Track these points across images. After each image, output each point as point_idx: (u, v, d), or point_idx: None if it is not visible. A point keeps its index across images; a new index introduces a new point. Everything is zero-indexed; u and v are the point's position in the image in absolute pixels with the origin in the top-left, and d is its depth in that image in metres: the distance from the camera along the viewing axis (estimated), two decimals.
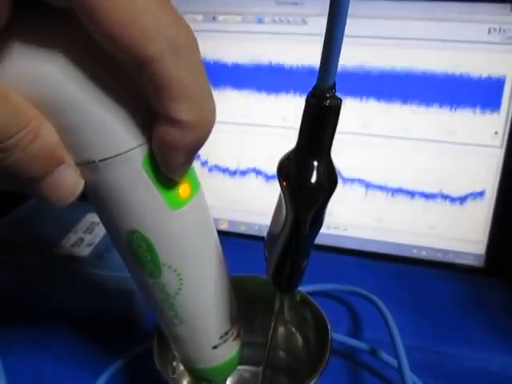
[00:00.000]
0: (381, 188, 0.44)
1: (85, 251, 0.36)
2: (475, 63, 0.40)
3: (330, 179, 0.16)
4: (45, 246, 0.37)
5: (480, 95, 0.40)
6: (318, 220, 0.17)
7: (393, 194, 0.44)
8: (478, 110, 0.40)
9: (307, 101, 0.15)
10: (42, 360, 0.33)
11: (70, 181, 0.17)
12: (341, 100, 0.15)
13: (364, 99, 0.42)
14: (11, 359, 0.32)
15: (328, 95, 0.15)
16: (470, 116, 0.41)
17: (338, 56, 0.14)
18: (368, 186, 0.44)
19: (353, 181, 0.44)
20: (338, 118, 0.16)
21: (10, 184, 0.18)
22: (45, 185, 0.16)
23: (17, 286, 0.36)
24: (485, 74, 0.40)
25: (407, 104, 0.41)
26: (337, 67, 0.15)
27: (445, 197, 0.43)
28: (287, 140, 0.43)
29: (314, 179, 0.16)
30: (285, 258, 0.18)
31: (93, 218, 0.41)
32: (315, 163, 0.16)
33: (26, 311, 0.36)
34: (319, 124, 0.16)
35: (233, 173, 0.46)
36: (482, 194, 0.42)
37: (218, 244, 0.22)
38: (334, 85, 0.15)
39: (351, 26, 0.42)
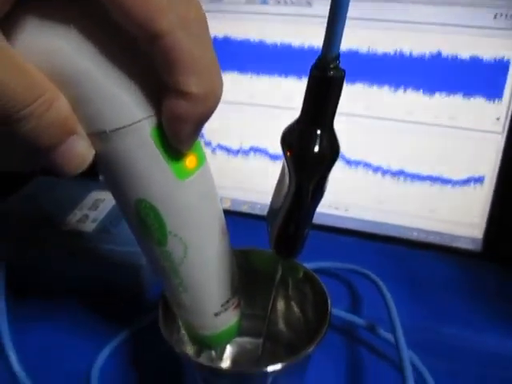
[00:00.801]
0: (382, 170, 0.44)
1: (90, 227, 0.37)
2: (480, 48, 0.40)
3: (332, 148, 0.17)
4: (51, 222, 0.38)
5: (483, 81, 0.40)
6: (320, 189, 0.18)
7: (394, 177, 0.44)
8: (480, 95, 0.40)
9: (311, 71, 0.16)
10: (51, 330, 0.34)
11: (81, 150, 0.17)
12: (344, 71, 0.16)
13: (368, 82, 0.42)
14: (20, 330, 0.33)
15: (332, 66, 0.15)
16: (472, 101, 0.41)
17: (343, 27, 0.15)
18: (370, 167, 0.44)
19: (355, 163, 0.45)
20: (342, 88, 0.16)
21: (22, 159, 0.19)
22: (57, 154, 0.17)
23: (23, 261, 0.37)
24: (489, 60, 0.40)
25: (411, 88, 0.42)
26: (341, 38, 0.15)
27: (445, 181, 0.43)
28: (291, 120, 0.43)
29: (316, 148, 0.17)
30: (287, 226, 0.19)
31: (97, 195, 0.41)
32: (318, 133, 0.17)
33: (34, 285, 0.37)
34: (323, 94, 0.16)
35: (236, 152, 0.47)
36: (481, 179, 0.42)
37: (222, 215, 0.23)
38: (338, 56, 0.16)
39: (357, 9, 0.42)
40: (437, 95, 0.41)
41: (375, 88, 0.42)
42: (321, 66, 0.16)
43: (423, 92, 0.41)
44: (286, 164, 0.18)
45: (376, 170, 0.44)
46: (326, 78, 0.16)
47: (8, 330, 0.32)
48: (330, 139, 0.17)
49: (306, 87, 0.16)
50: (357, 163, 0.45)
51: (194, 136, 0.18)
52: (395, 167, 0.44)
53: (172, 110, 0.17)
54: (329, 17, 0.15)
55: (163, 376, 0.31)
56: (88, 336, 0.34)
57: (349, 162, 0.45)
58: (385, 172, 0.44)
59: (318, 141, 0.16)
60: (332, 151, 0.17)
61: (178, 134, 0.18)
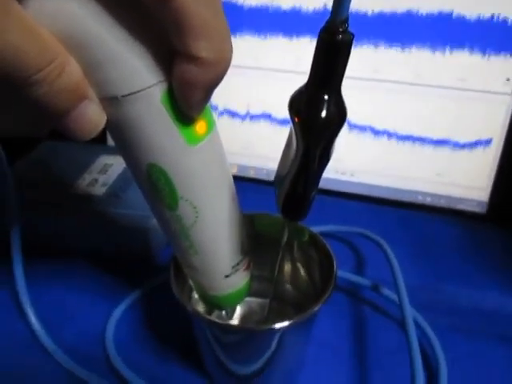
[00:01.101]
0: (389, 134, 0.44)
1: (100, 191, 0.38)
2: (490, 5, 0.39)
3: (339, 113, 0.17)
4: (60, 186, 0.39)
5: (494, 39, 0.39)
6: (326, 154, 0.18)
7: (400, 141, 0.44)
8: (490, 55, 0.40)
9: (320, 35, 0.16)
10: (65, 291, 0.36)
11: (93, 115, 0.17)
12: (353, 35, 0.16)
13: (375, 43, 0.42)
14: (37, 290, 0.34)
15: (340, 29, 0.15)
16: (482, 61, 0.40)
17: None
18: (376, 132, 0.44)
19: (361, 128, 0.44)
20: (350, 53, 0.16)
21: (32, 123, 0.19)
22: (70, 119, 0.17)
23: (35, 225, 0.37)
24: (500, 17, 0.39)
25: (419, 49, 0.41)
26: (350, 1, 0.15)
27: (452, 143, 0.43)
28: (299, 85, 0.43)
29: (324, 114, 0.17)
30: (294, 189, 0.19)
31: (106, 159, 0.42)
32: (326, 98, 0.17)
33: (47, 248, 0.38)
34: (331, 58, 0.16)
35: (243, 117, 0.47)
36: (489, 141, 0.42)
37: (231, 180, 0.23)
38: (347, 19, 0.15)
39: None
40: (445, 56, 0.41)
41: (382, 49, 0.42)
42: (329, 29, 0.16)
43: (431, 53, 0.41)
44: (293, 129, 0.18)
45: (382, 134, 0.44)
46: (334, 41, 0.16)
47: (26, 290, 0.33)
48: (338, 104, 0.17)
49: (314, 51, 0.16)
50: (363, 128, 0.44)
51: (204, 101, 0.18)
52: (401, 131, 0.44)
53: (182, 75, 0.17)
54: None
55: (175, 333, 0.32)
56: (102, 295, 0.35)
57: (355, 127, 0.44)
58: (391, 136, 0.44)
59: (325, 106, 0.17)
60: (339, 116, 0.17)
61: (188, 100, 0.18)
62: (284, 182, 0.20)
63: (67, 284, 0.36)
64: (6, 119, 0.19)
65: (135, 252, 0.37)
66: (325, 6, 0.42)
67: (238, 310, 0.32)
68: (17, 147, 0.42)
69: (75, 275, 0.37)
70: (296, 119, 0.17)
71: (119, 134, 0.19)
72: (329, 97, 0.17)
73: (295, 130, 0.18)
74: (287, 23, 0.43)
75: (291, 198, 0.20)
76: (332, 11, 0.15)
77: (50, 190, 0.38)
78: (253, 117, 0.47)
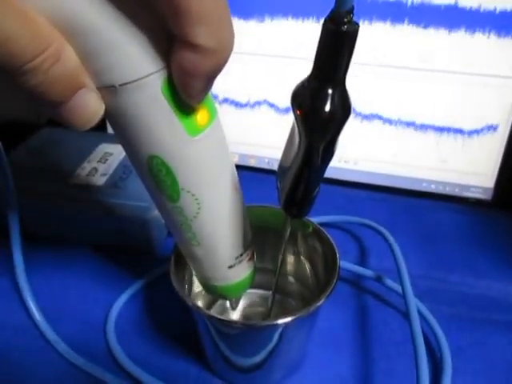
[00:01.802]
0: (393, 122, 0.43)
1: (100, 180, 0.37)
2: None
3: (344, 108, 0.16)
4: (60, 175, 0.38)
5: (501, 22, 0.38)
6: (330, 149, 0.18)
7: (405, 128, 0.43)
8: (497, 37, 0.39)
9: (324, 25, 0.15)
10: (65, 280, 0.35)
11: (91, 104, 0.17)
12: (358, 25, 0.15)
13: (379, 23, 0.40)
14: (36, 280, 0.34)
15: (346, 20, 0.15)
16: (488, 45, 0.39)
17: None
18: (380, 119, 0.43)
19: (365, 116, 0.44)
20: (355, 44, 0.15)
21: (28, 108, 0.18)
22: (67, 108, 0.16)
23: (34, 213, 0.37)
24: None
25: (425, 29, 0.40)
26: None
27: (458, 130, 0.42)
28: (299, 71, 0.42)
29: (327, 108, 0.16)
30: (296, 186, 0.19)
31: (106, 148, 0.41)
32: (330, 91, 0.16)
33: (46, 237, 0.38)
34: (335, 50, 0.15)
35: (243, 105, 0.46)
36: (495, 127, 0.42)
37: (234, 170, 0.22)
38: (352, 9, 0.15)
39: None
40: (451, 39, 0.39)
41: (388, 33, 0.40)
42: (334, 19, 0.15)
43: (437, 35, 0.39)
44: (296, 123, 0.17)
45: (386, 121, 0.43)
46: (339, 32, 0.15)
47: (26, 279, 0.33)
48: (342, 98, 0.16)
49: (318, 42, 0.16)
50: (367, 116, 0.44)
51: (204, 91, 0.18)
52: (406, 118, 0.43)
53: (181, 63, 0.16)
54: None
55: (177, 324, 0.32)
56: (103, 286, 0.35)
57: (359, 115, 0.44)
58: (395, 123, 0.43)
59: (329, 100, 0.16)
60: (344, 110, 0.16)
61: (188, 89, 0.17)
62: (286, 178, 0.19)
63: (68, 274, 0.36)
64: (3, 105, 0.19)
65: (136, 242, 0.36)
66: None
67: (241, 302, 0.32)
68: (14, 134, 0.42)
69: (76, 266, 0.37)
70: (299, 113, 0.17)
71: (118, 125, 0.19)
72: (333, 90, 0.16)
73: (298, 125, 0.17)
74: (285, 5, 0.42)
75: (293, 196, 0.19)
76: (336, 1, 0.14)
77: (49, 179, 0.38)
78: (253, 105, 0.46)
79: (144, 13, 0.16)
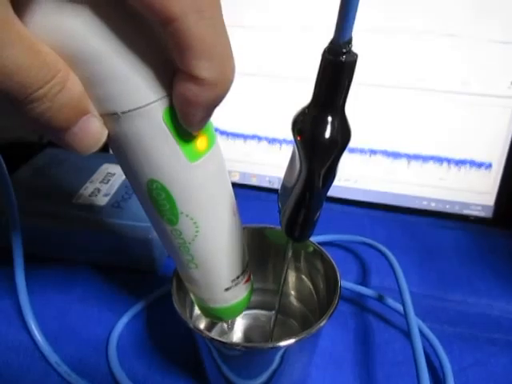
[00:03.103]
0: (392, 140, 0.44)
1: (102, 201, 0.37)
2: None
3: (343, 134, 0.17)
4: (63, 195, 0.38)
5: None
6: (331, 174, 0.18)
7: (404, 147, 0.43)
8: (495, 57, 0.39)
9: (323, 56, 0.15)
10: (67, 301, 0.35)
11: (94, 130, 0.17)
12: (357, 55, 0.15)
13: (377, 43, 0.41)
14: (39, 300, 0.34)
15: (344, 50, 0.15)
16: (485, 65, 0.40)
17: (356, 10, 0.14)
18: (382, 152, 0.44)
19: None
20: (354, 73, 0.16)
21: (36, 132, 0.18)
22: (71, 134, 0.17)
23: (36, 235, 0.37)
24: None
25: (421, 47, 0.40)
26: (354, 22, 0.15)
27: (457, 148, 0.43)
28: (299, 93, 0.42)
29: (327, 134, 0.16)
30: (298, 210, 0.19)
31: (108, 168, 0.42)
32: (329, 118, 0.16)
33: (47, 257, 0.38)
34: (335, 79, 0.16)
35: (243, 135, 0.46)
36: (494, 146, 0.42)
37: (232, 195, 0.23)
38: (351, 40, 0.15)
39: None
40: (448, 58, 0.40)
41: (383, 53, 0.41)
42: (333, 50, 0.15)
43: (434, 55, 0.40)
44: (296, 149, 0.18)
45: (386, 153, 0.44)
46: (338, 63, 0.15)
47: (28, 301, 0.33)
48: (342, 125, 0.16)
49: (317, 71, 0.16)
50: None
51: (204, 120, 0.18)
52: (405, 138, 0.43)
53: (183, 94, 0.17)
54: (341, 0, 0.14)
55: (179, 346, 0.32)
56: (105, 307, 0.35)
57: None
58: (394, 142, 0.44)
59: (329, 127, 0.16)
60: (343, 137, 0.17)
61: (189, 118, 0.18)
62: (288, 200, 0.20)
63: (69, 295, 0.36)
64: (6, 125, 0.19)
65: (137, 262, 0.37)
66: None
67: (243, 323, 0.32)
68: (18, 154, 0.42)
69: (78, 286, 0.37)
70: (299, 140, 0.17)
71: (119, 149, 0.19)
72: (332, 117, 0.16)
73: (299, 151, 0.17)
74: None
75: (295, 220, 0.19)
76: (335, 32, 0.15)
77: (52, 199, 0.38)
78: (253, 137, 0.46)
79: (147, 44, 0.17)
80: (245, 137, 0.46)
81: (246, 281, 0.26)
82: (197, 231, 0.21)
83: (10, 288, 0.34)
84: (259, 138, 0.46)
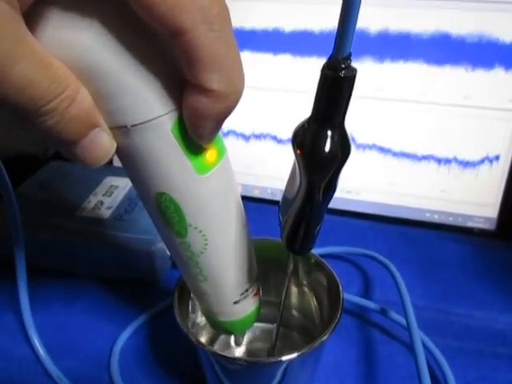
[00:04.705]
0: (394, 153, 0.44)
1: (105, 214, 0.38)
2: (495, 23, 0.39)
3: (343, 148, 0.17)
4: (66, 208, 0.39)
5: (498, 56, 0.39)
6: (331, 187, 0.18)
7: (406, 158, 0.44)
8: (495, 71, 0.40)
9: (322, 71, 0.16)
10: (70, 314, 0.35)
11: (103, 143, 0.17)
12: (356, 70, 0.16)
13: (379, 61, 0.41)
14: (42, 314, 0.34)
15: (343, 66, 0.15)
16: (486, 79, 0.40)
17: (355, 26, 0.14)
18: (381, 150, 0.44)
19: (366, 146, 0.44)
20: (353, 88, 0.16)
21: (36, 142, 0.19)
22: (80, 146, 0.17)
23: (39, 248, 0.37)
24: (504, 36, 0.39)
25: (423, 65, 0.41)
26: (353, 37, 0.15)
27: (459, 161, 0.43)
28: (302, 105, 0.43)
29: (327, 148, 0.16)
30: (298, 223, 0.19)
31: (112, 181, 0.42)
32: (329, 132, 0.16)
33: (51, 270, 0.38)
34: (334, 94, 0.16)
35: (247, 137, 0.47)
36: (497, 158, 0.42)
37: (242, 207, 0.23)
38: (350, 55, 0.15)
39: None
40: (449, 73, 0.40)
41: (387, 67, 0.41)
42: (332, 65, 0.15)
43: (436, 70, 0.40)
44: (296, 162, 0.18)
45: (387, 152, 0.44)
46: (337, 77, 0.15)
47: (30, 315, 0.33)
48: (342, 139, 0.17)
49: (317, 86, 0.16)
50: (368, 146, 0.44)
51: (214, 132, 0.18)
52: (407, 150, 0.43)
53: (193, 107, 0.17)
54: (340, 17, 0.14)
55: (181, 359, 0.32)
56: (107, 320, 0.35)
57: (360, 146, 0.44)
58: (396, 154, 0.44)
59: (329, 141, 0.16)
60: (343, 151, 0.17)
61: (199, 130, 0.18)
62: (288, 213, 0.20)
63: (72, 308, 0.36)
64: (12, 138, 0.19)
65: (140, 274, 0.37)
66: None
67: (245, 336, 0.31)
68: (22, 168, 0.43)
69: (79, 299, 0.37)
70: (299, 153, 0.17)
71: (129, 162, 0.19)
72: (332, 131, 0.16)
73: (299, 164, 0.17)
74: (289, 44, 0.43)
75: (295, 233, 0.19)
76: (334, 48, 0.15)
77: (55, 212, 0.38)
78: (257, 137, 0.46)
79: (157, 57, 0.17)
80: (247, 146, 0.47)
81: (255, 294, 0.25)
82: (206, 244, 0.21)
83: (12, 301, 0.34)
84: (263, 147, 0.46)
